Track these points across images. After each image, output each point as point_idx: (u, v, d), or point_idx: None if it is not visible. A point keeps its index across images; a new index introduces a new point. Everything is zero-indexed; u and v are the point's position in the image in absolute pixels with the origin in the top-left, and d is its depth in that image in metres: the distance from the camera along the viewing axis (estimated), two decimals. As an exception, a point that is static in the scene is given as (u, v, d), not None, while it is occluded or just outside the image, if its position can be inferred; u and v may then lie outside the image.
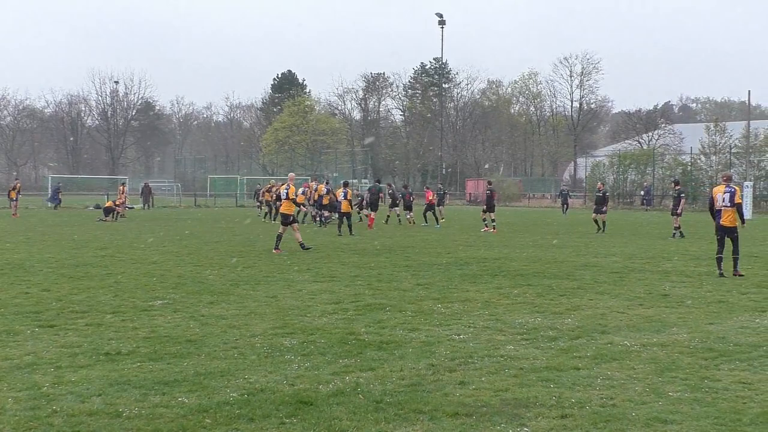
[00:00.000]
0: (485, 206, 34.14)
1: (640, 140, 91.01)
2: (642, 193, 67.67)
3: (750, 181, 57.65)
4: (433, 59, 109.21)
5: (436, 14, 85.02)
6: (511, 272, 17.85)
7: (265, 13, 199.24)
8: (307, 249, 22.62)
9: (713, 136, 73.41)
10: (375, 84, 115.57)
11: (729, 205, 17.16)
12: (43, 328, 10.86)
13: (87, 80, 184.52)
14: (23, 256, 20.81)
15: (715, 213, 17.45)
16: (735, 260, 17.39)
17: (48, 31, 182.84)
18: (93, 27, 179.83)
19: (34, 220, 41.94)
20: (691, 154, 73.37)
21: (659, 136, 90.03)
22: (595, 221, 32.67)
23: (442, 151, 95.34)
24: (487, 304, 13.18)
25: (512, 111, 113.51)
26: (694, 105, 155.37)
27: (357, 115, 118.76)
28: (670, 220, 32.36)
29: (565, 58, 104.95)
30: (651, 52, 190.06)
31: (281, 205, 23.54)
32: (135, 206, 62.19)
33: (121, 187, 47.36)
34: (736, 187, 17.65)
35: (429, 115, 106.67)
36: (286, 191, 23.18)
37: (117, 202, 43.29)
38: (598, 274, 17.58)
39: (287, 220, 22.90)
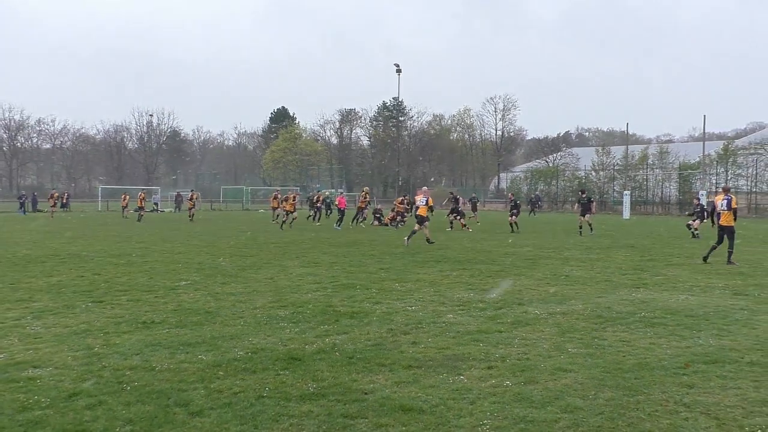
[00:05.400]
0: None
1: (547, 160, 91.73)
2: (531, 199, 68.14)
3: (628, 190, 58.37)
4: (392, 98, 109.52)
5: (394, 65, 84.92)
6: (450, 259, 17.90)
7: (264, 60, 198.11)
8: (432, 243, 22.52)
9: (601, 157, 74.45)
10: (348, 117, 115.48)
11: (726, 209, 17.19)
12: (95, 303, 10.74)
13: (128, 114, 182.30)
14: (79, 248, 20.53)
15: (716, 215, 17.55)
16: (729, 253, 17.13)
17: (97, 75, 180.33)
18: (133, 73, 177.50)
19: (88, 221, 41.45)
20: (585, 170, 74.30)
21: (561, 156, 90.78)
22: (510, 224, 31.57)
23: (399, 168, 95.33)
24: (433, 284, 13.20)
25: (451, 138, 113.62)
26: (587, 133, 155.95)
27: (334, 140, 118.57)
28: (558, 220, 32.26)
29: (491, 98, 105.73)
30: (555, 92, 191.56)
31: (418, 209, 23.29)
32: (165, 210, 61.71)
33: (192, 194, 42.49)
34: (733, 196, 17.56)
35: (389, 140, 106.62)
36: (425, 200, 23.12)
37: (189, 206, 41.51)
38: (516, 261, 17.66)
39: (422, 221, 22.94)
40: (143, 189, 52.03)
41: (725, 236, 17.20)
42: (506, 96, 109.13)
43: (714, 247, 17.36)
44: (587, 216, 28.50)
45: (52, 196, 47.58)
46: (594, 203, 30.43)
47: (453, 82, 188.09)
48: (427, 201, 23.10)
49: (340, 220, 32.96)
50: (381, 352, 7.59)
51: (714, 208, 17.84)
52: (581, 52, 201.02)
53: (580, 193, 31.69)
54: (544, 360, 7.26)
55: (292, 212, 33.38)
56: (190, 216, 39.84)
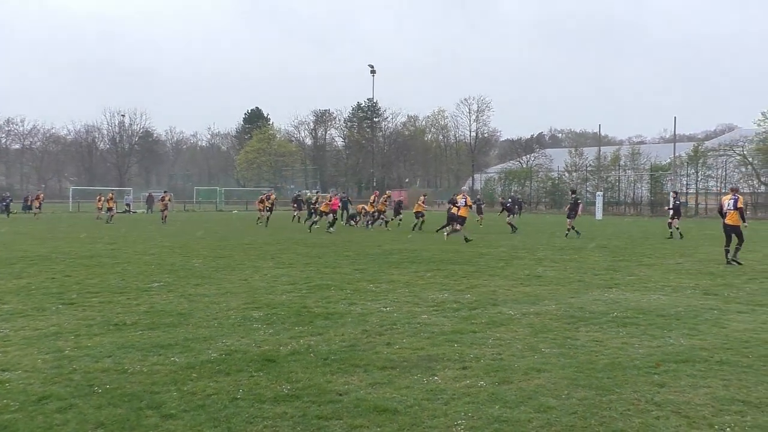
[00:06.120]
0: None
1: (521, 161, 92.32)
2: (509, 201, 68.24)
3: (600, 191, 58.92)
4: (367, 99, 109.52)
5: (369, 65, 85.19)
6: (425, 260, 17.93)
7: (238, 61, 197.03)
8: (469, 240, 23.76)
9: (574, 158, 75.14)
10: (323, 117, 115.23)
11: (733, 208, 17.40)
12: (65, 305, 10.60)
13: (100, 113, 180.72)
14: (49, 250, 20.26)
15: (723, 214, 17.72)
16: (736, 249, 17.32)
17: (70, 75, 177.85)
18: (105, 71, 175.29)
19: (57, 222, 40.88)
20: (558, 171, 74.93)
21: (535, 157, 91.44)
22: (510, 224, 31.38)
23: (373, 168, 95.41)
24: (407, 284, 13.21)
25: (426, 138, 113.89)
26: (560, 135, 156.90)
27: (308, 141, 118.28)
28: (532, 221, 32.28)
29: (465, 99, 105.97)
30: (528, 94, 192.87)
31: (458, 210, 24.37)
32: (138, 211, 61.13)
33: (164, 195, 40.92)
34: (740, 196, 17.74)
35: (363, 141, 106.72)
36: (464, 201, 24.31)
37: (161, 207, 40.42)
38: (490, 261, 17.74)
39: (463, 222, 24.17)
40: (112, 189, 51.47)
41: (733, 235, 17.46)
42: (480, 97, 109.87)
43: (727, 249, 17.54)
44: (569, 220, 28.14)
45: (37, 197, 46.90)
46: (580, 205, 30.05)
47: (427, 83, 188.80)
48: (465, 202, 24.15)
49: (333, 222, 32.69)
50: (355, 353, 7.58)
51: (722, 207, 18.08)
52: (554, 54, 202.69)
53: (570, 192, 31.47)
54: (518, 360, 7.30)
55: (327, 213, 31.43)
56: (162, 218, 39.33)
